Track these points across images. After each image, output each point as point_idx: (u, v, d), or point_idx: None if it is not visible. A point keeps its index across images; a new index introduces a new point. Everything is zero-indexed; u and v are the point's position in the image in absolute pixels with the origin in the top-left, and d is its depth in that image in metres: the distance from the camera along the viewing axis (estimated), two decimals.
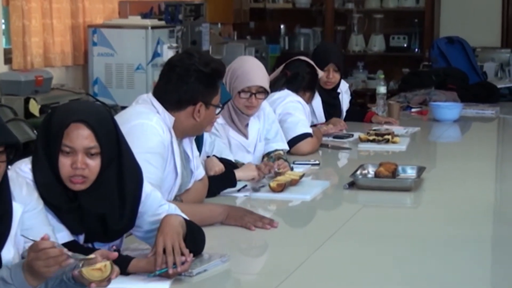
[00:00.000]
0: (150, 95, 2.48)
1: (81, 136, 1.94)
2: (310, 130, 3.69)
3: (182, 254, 1.97)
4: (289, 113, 3.65)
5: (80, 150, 1.94)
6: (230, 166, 2.95)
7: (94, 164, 1.95)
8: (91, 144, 1.95)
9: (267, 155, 3.34)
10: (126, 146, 2.04)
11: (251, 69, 3.21)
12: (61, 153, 1.94)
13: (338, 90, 4.37)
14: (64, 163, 1.94)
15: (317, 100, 4.20)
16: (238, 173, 2.91)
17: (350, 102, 4.57)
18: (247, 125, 3.28)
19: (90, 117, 1.96)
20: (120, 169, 2.00)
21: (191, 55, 2.44)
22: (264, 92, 3.22)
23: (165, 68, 2.48)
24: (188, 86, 2.42)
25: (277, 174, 3.02)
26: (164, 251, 1.96)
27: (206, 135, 3.00)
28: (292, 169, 3.18)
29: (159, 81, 2.48)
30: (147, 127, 2.37)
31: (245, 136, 3.29)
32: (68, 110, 1.97)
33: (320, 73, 3.94)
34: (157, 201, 2.10)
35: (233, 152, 3.14)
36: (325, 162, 3.61)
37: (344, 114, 4.45)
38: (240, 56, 3.41)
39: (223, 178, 2.86)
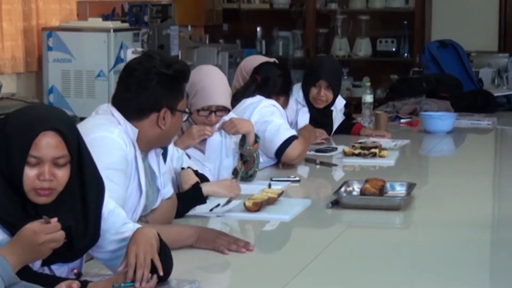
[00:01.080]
0: (110, 104, 2.48)
1: (50, 146, 1.93)
2: (293, 132, 3.71)
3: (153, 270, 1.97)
4: (266, 120, 3.67)
5: (48, 160, 1.93)
6: (204, 180, 2.96)
7: (62, 174, 1.95)
8: (60, 154, 1.94)
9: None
10: (87, 153, 2.04)
11: (212, 86, 3.23)
12: (26, 164, 1.93)
13: (332, 108, 4.39)
14: (28, 174, 1.93)
15: (304, 118, 4.23)
16: (212, 187, 2.90)
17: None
18: (205, 139, 3.31)
19: (61, 124, 1.95)
20: (82, 178, 2.00)
21: (151, 57, 2.44)
22: (224, 110, 3.27)
23: (123, 74, 2.48)
24: (150, 92, 2.41)
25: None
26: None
27: (173, 149, 3.00)
28: (269, 186, 3.19)
29: (117, 88, 2.48)
30: (108, 141, 2.37)
31: (202, 151, 3.32)
32: (34, 117, 1.95)
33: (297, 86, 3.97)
34: (120, 219, 2.10)
35: None
36: (306, 179, 3.62)
37: (333, 130, 4.47)
38: (200, 66, 3.42)
39: (190, 195, 2.86)
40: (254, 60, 3.99)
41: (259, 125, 3.62)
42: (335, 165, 3.80)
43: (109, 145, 2.37)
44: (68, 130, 1.96)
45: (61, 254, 1.99)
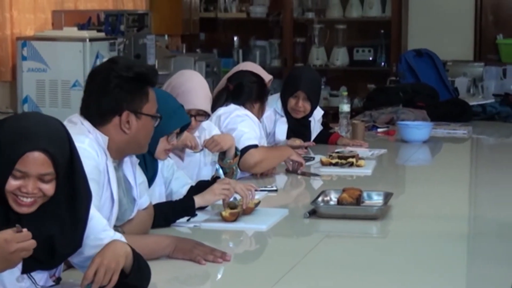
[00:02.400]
0: (79, 113, 2.47)
1: (37, 163, 1.91)
2: (254, 142, 3.68)
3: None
4: (233, 128, 3.67)
5: (33, 176, 1.92)
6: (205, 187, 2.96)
7: (48, 188, 1.93)
8: (46, 171, 1.92)
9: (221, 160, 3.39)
10: (79, 163, 2.02)
11: (192, 90, 3.24)
12: (11, 176, 1.91)
13: (310, 118, 4.41)
14: (12, 184, 1.91)
15: (282, 128, 4.24)
16: (204, 198, 2.90)
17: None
18: (185, 147, 3.31)
19: (51, 143, 1.92)
20: (73, 189, 1.99)
21: (114, 62, 2.44)
22: (204, 115, 3.29)
23: (87, 81, 2.48)
24: (109, 95, 2.40)
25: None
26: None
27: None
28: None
29: (83, 96, 2.48)
30: (79, 151, 2.36)
31: (181, 158, 3.32)
32: (25, 132, 1.91)
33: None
34: (100, 225, 2.09)
35: None
36: (284, 188, 3.63)
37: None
38: (182, 71, 3.42)
39: (182, 205, 2.86)
40: (245, 67, 3.99)
41: (226, 132, 3.62)
42: (318, 175, 3.80)
43: (81, 155, 2.35)
44: (58, 148, 1.93)
45: (43, 262, 1.98)
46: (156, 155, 2.82)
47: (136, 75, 2.41)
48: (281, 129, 4.26)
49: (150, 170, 2.83)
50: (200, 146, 3.34)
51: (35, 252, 1.93)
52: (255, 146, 3.67)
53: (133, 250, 2.09)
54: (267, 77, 4.08)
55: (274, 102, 4.26)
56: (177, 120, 2.80)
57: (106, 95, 2.40)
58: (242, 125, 3.68)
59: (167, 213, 2.80)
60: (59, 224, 1.97)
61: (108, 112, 2.41)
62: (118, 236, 2.13)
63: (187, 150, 3.32)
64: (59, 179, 1.95)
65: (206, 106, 3.28)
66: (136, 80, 2.41)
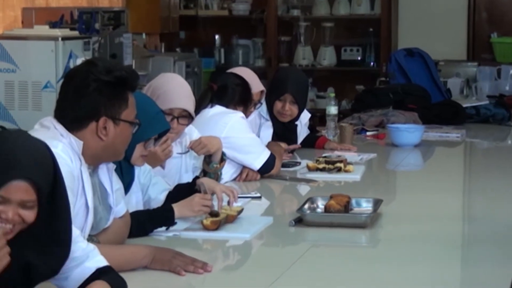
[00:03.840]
0: (52, 116, 2.46)
1: (20, 190, 1.88)
2: (268, 152, 3.82)
3: None
4: (238, 136, 3.74)
5: (15, 202, 1.89)
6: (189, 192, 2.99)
7: (28, 214, 1.91)
8: (29, 198, 1.90)
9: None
10: (62, 187, 2.00)
11: (174, 89, 3.25)
12: None
13: (297, 122, 4.43)
14: None
15: (267, 132, 4.26)
16: (181, 211, 2.89)
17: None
18: None
19: (35, 172, 1.89)
20: (53, 209, 1.97)
21: (92, 64, 2.43)
22: (187, 117, 3.29)
23: (63, 82, 2.47)
24: (86, 99, 2.39)
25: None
26: None
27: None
28: (228, 203, 3.18)
29: (57, 98, 2.48)
30: None
31: (161, 166, 3.31)
32: (8, 159, 1.87)
33: (257, 88, 3.97)
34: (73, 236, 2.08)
35: None
36: (268, 195, 3.63)
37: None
38: (163, 73, 3.44)
39: (161, 214, 2.85)
40: (239, 71, 4.01)
41: (234, 140, 3.67)
42: (314, 180, 3.80)
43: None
44: (42, 176, 1.91)
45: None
46: (133, 161, 2.82)
47: (116, 79, 2.41)
48: (266, 134, 4.28)
49: (126, 177, 2.83)
50: (185, 149, 3.34)
51: (10, 277, 1.92)
52: (273, 156, 3.82)
53: (108, 269, 2.07)
54: (258, 87, 4.09)
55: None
56: (155, 126, 2.80)
57: (84, 99, 2.39)
58: (248, 133, 3.80)
59: (145, 222, 2.80)
60: (37, 251, 1.96)
61: (84, 117, 2.41)
62: (91, 247, 2.12)
63: (175, 154, 3.32)
64: (41, 205, 1.93)
65: (189, 106, 3.29)
66: (116, 85, 2.41)
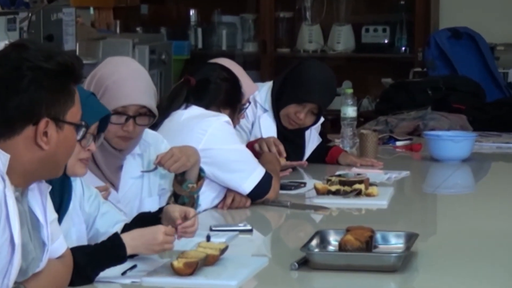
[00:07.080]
0: None
1: None
2: (263, 170, 3.81)
3: None
4: (223, 148, 3.75)
5: None
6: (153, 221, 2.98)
7: None
8: None
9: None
10: None
11: (127, 79, 3.26)
12: None
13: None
14: None
15: (268, 125, 4.34)
16: (134, 243, 2.87)
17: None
18: (120, 167, 3.34)
19: None
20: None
21: (23, 47, 2.40)
22: (148, 116, 3.29)
23: None
24: (21, 95, 2.37)
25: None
26: None
27: (82, 186, 2.98)
28: (208, 238, 3.18)
29: None
30: None
31: (114, 186, 3.31)
32: None
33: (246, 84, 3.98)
34: None
35: None
36: (262, 227, 3.63)
37: (306, 156, 4.52)
38: (110, 58, 3.44)
39: (107, 250, 2.83)
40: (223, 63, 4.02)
41: (215, 153, 3.68)
42: (326, 208, 3.80)
43: None
44: None
45: None
46: (69, 171, 2.80)
47: (60, 67, 2.39)
48: (267, 127, 4.28)
49: (57, 195, 2.81)
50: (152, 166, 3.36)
51: None
52: (269, 175, 3.81)
53: None
54: (251, 90, 4.08)
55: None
56: (89, 113, 2.76)
57: (16, 95, 2.37)
58: (237, 143, 3.81)
59: (84, 264, 2.75)
60: None
61: (18, 119, 2.38)
62: None
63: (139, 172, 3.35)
64: None
65: (148, 101, 3.29)
66: (60, 74, 2.40)
